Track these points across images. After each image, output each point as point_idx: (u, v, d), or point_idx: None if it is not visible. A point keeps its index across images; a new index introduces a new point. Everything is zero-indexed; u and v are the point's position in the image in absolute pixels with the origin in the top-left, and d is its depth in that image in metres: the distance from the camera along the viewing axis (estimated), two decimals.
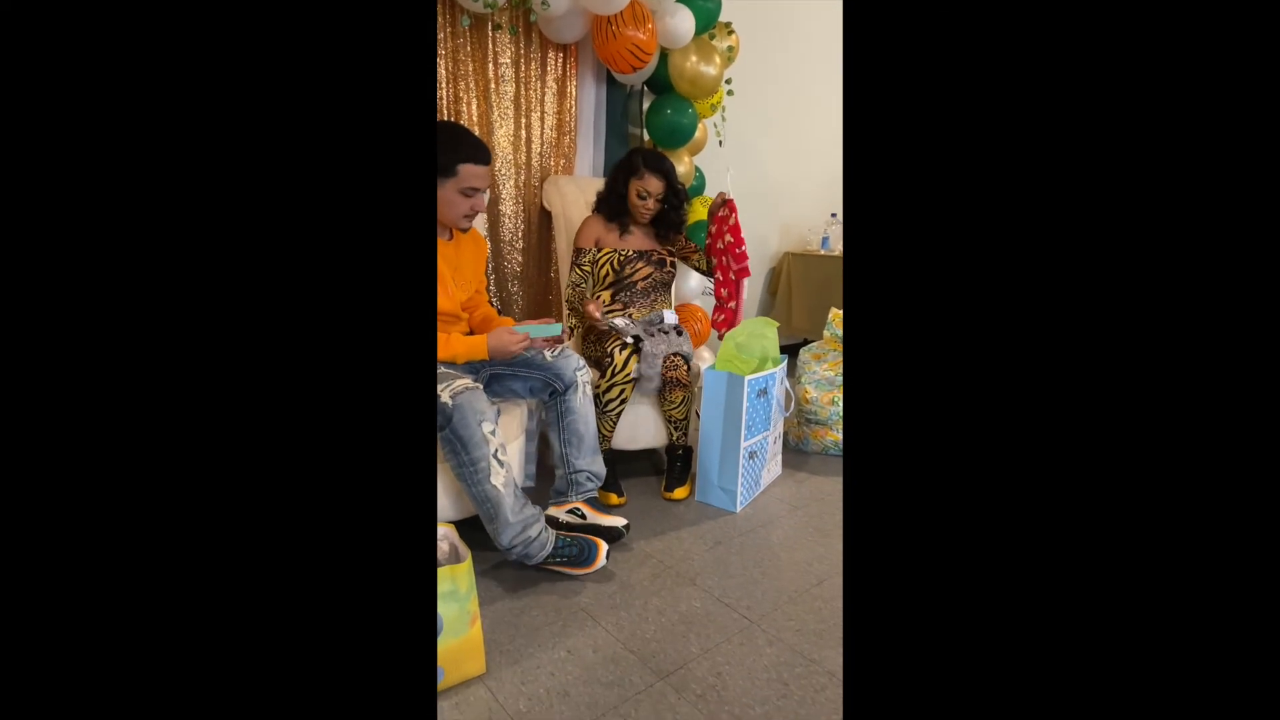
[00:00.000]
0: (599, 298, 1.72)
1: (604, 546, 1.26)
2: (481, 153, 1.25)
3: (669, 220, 1.76)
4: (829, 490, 1.75)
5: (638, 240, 1.77)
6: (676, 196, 1.74)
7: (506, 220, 2.01)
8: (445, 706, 0.95)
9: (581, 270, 1.73)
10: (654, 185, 1.68)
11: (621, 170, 1.72)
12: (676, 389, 1.61)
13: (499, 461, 1.20)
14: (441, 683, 0.96)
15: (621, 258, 1.72)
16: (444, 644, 0.94)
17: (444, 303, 1.33)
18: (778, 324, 1.76)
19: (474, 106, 1.86)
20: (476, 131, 1.88)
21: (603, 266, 1.71)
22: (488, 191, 1.79)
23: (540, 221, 2.07)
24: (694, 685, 1.01)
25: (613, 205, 1.73)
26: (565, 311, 1.95)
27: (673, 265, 1.81)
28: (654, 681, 1.02)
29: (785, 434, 2.03)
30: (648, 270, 1.74)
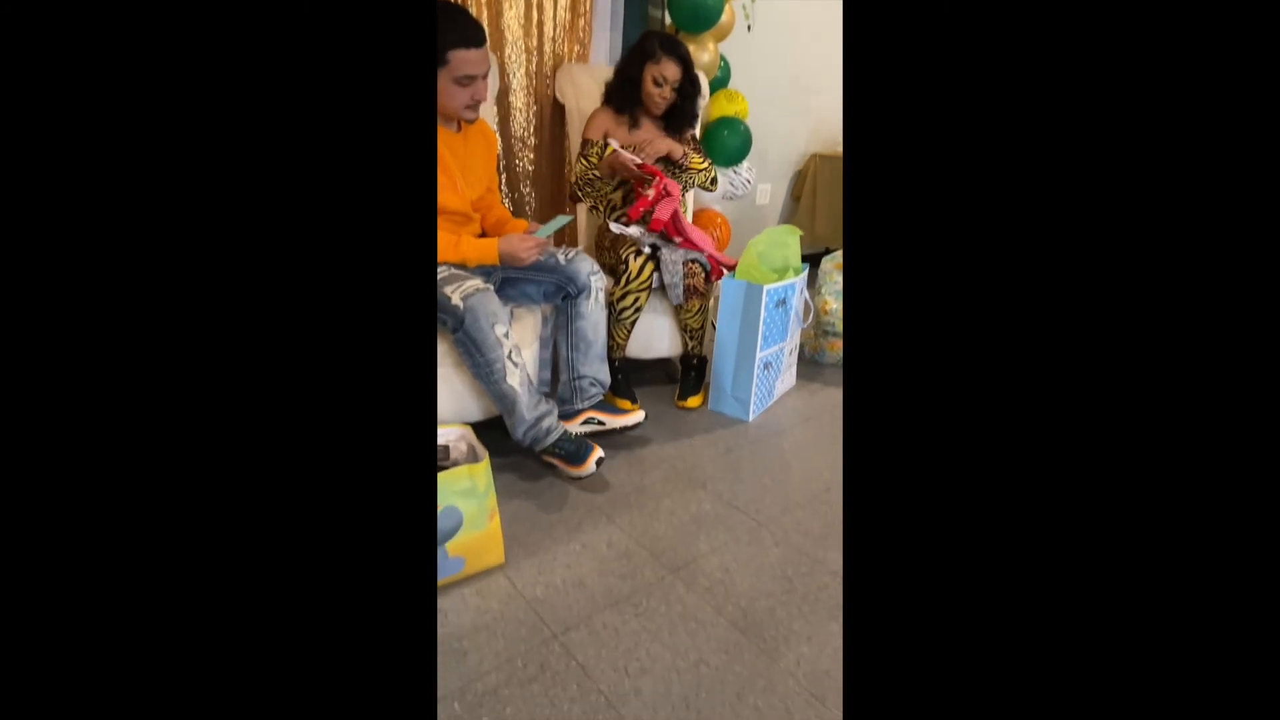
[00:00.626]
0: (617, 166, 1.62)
1: (598, 451, 1.25)
2: (474, 35, 1.13)
3: (683, 112, 1.64)
4: (841, 401, 1.75)
5: (647, 135, 1.65)
6: (693, 85, 1.61)
7: (517, 114, 1.89)
8: (467, 593, 1.01)
9: (588, 162, 1.62)
10: (671, 71, 1.55)
11: (635, 55, 1.58)
12: (693, 297, 1.58)
13: (513, 362, 1.20)
14: (462, 572, 1.01)
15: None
16: (464, 536, 0.99)
17: (453, 200, 1.27)
18: (800, 233, 1.69)
19: None
20: (484, 13, 1.73)
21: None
22: (494, 81, 1.67)
23: (553, 116, 1.95)
24: (703, 579, 1.06)
25: (624, 94, 1.60)
26: (577, 209, 1.88)
27: (678, 166, 1.70)
28: (665, 575, 1.07)
29: (801, 345, 2.01)
30: (653, 164, 1.65)
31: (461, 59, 1.13)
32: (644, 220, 1.52)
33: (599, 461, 1.25)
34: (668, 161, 1.64)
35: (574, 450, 1.26)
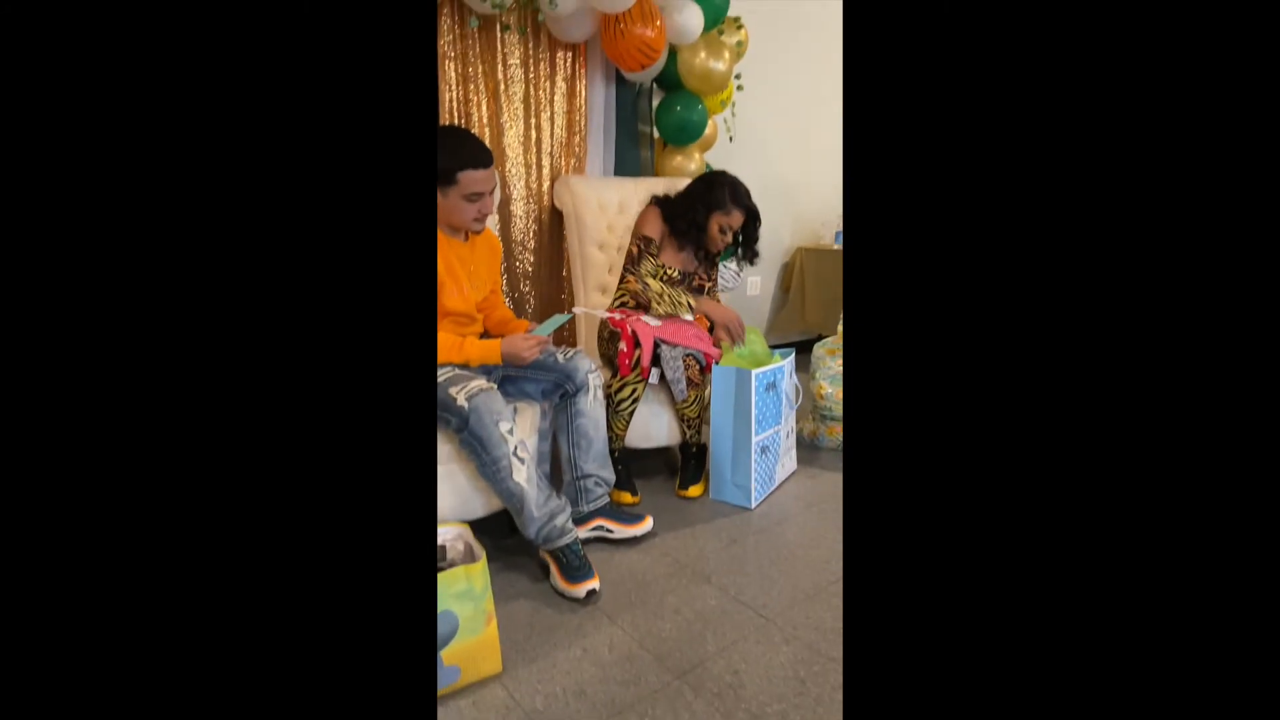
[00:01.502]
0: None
1: (595, 583, 1.22)
2: (481, 157, 1.23)
3: (748, 254, 1.76)
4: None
5: (688, 258, 1.75)
6: (756, 230, 1.73)
7: (517, 220, 2.02)
8: (463, 705, 0.96)
9: (654, 261, 1.66)
10: (738, 220, 1.67)
11: (701, 202, 1.65)
12: (689, 388, 1.61)
13: (519, 459, 1.20)
14: (458, 682, 0.97)
15: (668, 274, 1.69)
16: (460, 643, 0.95)
17: (459, 303, 1.34)
18: (759, 331, 1.77)
19: (484, 107, 1.87)
20: (487, 133, 1.89)
21: (655, 282, 1.70)
22: (497, 193, 1.80)
23: (552, 221, 2.07)
24: (710, 684, 1.01)
25: (689, 236, 1.69)
26: (587, 299, 1.93)
27: (706, 294, 1.79)
28: (671, 680, 1.02)
29: (800, 431, 2.02)
30: (682, 296, 1.71)
31: (470, 179, 1.23)
32: (635, 367, 1.56)
33: (590, 593, 1.21)
34: (696, 291, 1.73)
35: (576, 566, 1.23)
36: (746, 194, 1.68)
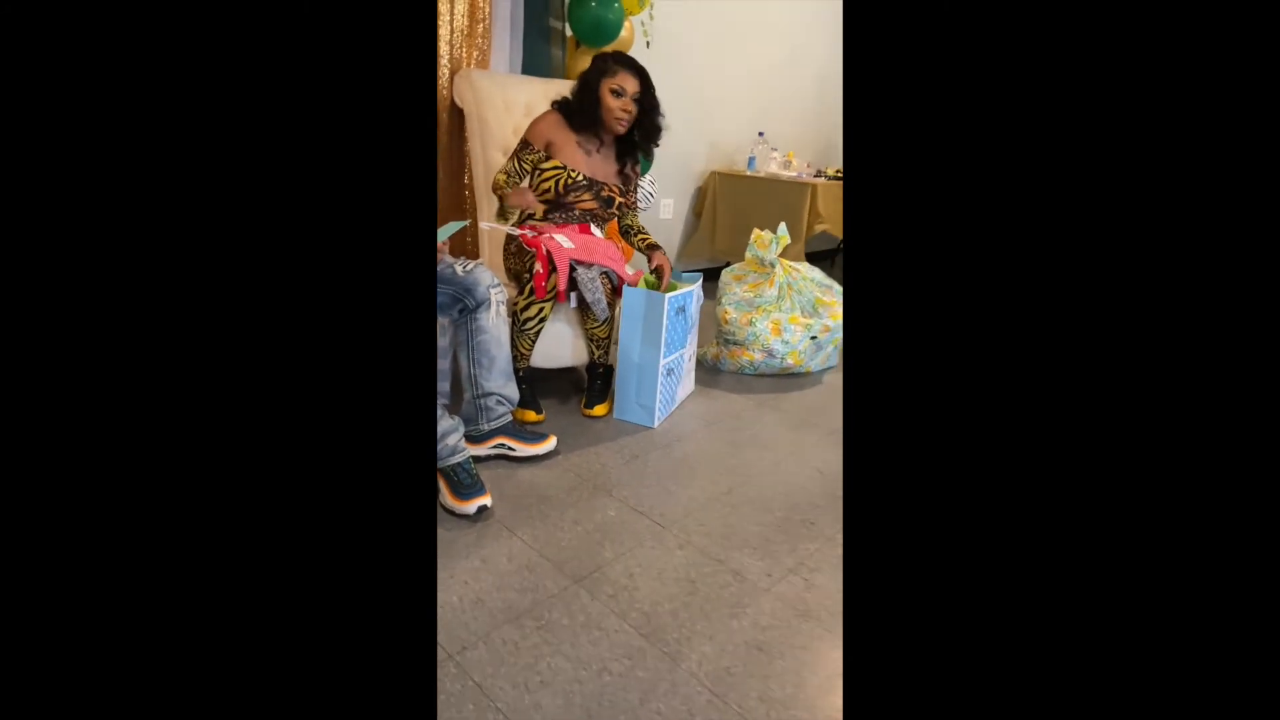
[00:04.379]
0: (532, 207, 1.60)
1: (486, 499, 1.20)
2: None
3: (647, 126, 1.62)
4: (742, 407, 1.82)
5: (597, 165, 1.64)
6: (653, 98, 1.61)
7: None
8: None
9: (520, 165, 1.58)
10: (629, 83, 1.55)
11: (590, 75, 1.57)
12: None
13: None
14: None
15: (569, 179, 1.58)
16: None
17: None
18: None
19: None
20: None
21: (545, 182, 1.58)
22: None
23: (452, 121, 1.89)
24: (607, 587, 1.05)
25: (586, 114, 1.57)
26: (491, 211, 1.82)
27: (618, 210, 1.69)
28: (568, 585, 1.05)
29: (704, 355, 2.08)
30: (590, 204, 1.63)
31: None
32: (551, 289, 1.49)
33: (480, 509, 1.19)
34: (605, 203, 1.65)
35: (467, 484, 1.20)
36: (637, 62, 1.59)
